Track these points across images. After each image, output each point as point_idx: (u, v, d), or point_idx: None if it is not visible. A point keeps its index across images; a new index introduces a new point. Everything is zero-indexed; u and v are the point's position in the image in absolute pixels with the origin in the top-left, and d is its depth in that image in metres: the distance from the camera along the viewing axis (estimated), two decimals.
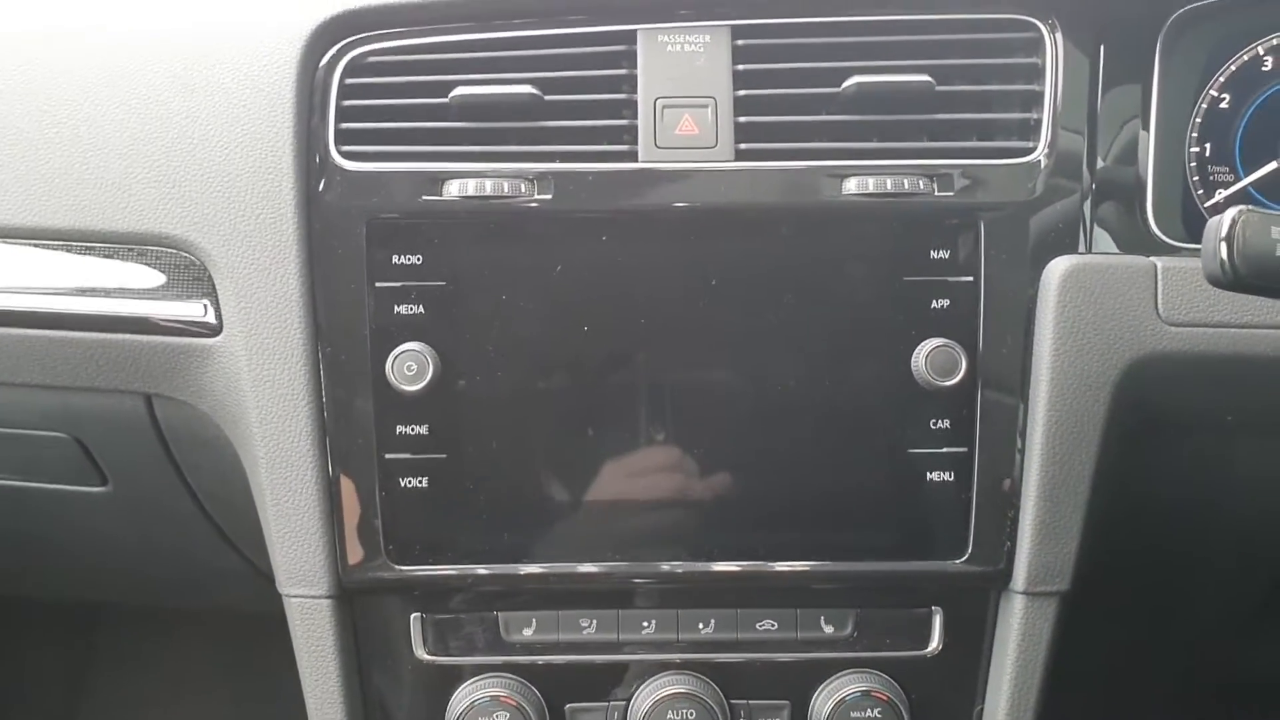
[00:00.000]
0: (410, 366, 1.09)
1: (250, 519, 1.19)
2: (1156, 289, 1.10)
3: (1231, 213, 0.86)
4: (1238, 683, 1.85)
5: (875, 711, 1.14)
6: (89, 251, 1.16)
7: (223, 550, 1.41)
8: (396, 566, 1.13)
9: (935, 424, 1.12)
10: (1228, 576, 1.45)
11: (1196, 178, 1.19)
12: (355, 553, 1.12)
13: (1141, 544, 1.28)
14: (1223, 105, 1.19)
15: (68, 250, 1.16)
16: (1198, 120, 1.19)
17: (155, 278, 1.15)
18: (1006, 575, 1.14)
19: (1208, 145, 1.19)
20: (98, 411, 1.22)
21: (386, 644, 1.17)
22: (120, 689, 2.53)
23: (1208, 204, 1.19)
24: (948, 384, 1.10)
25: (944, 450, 1.12)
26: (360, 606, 1.16)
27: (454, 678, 1.16)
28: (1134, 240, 1.16)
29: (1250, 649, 1.70)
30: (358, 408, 1.11)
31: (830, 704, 1.15)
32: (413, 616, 1.16)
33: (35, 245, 1.17)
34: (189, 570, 1.60)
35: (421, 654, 1.17)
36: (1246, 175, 1.19)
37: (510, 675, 1.16)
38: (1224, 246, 0.86)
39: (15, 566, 1.70)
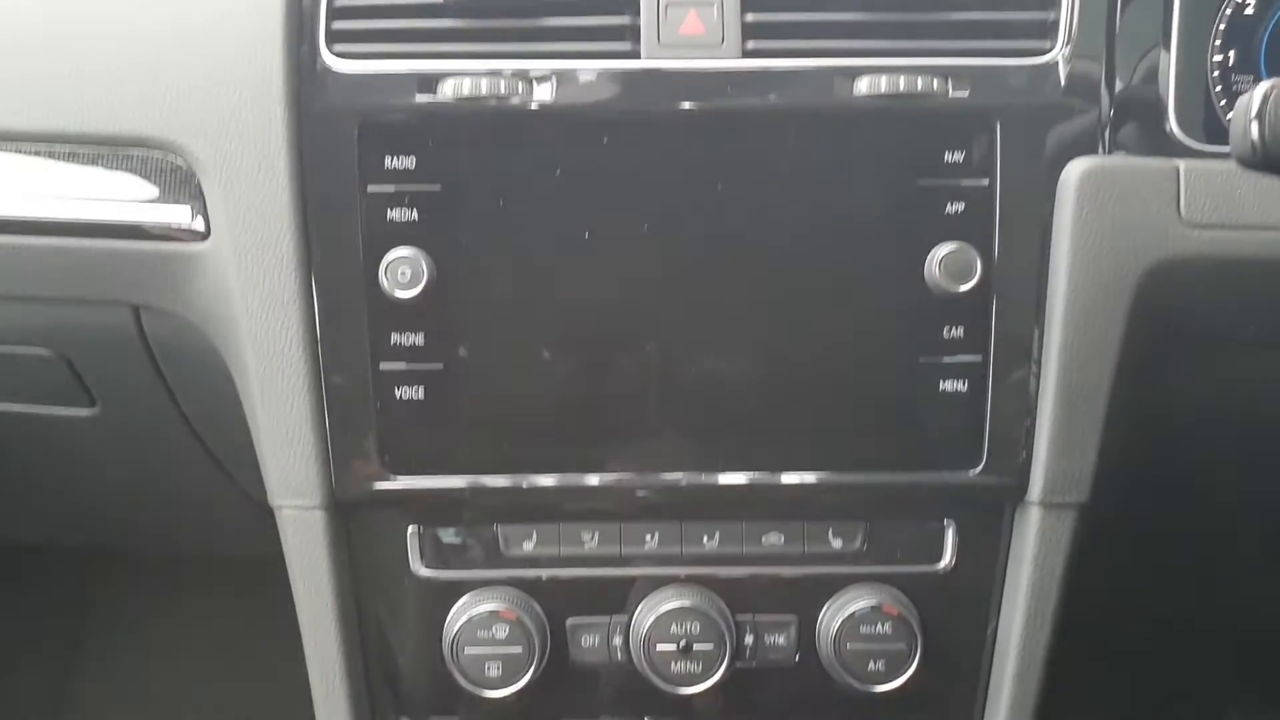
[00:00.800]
0: (404, 272, 1.06)
1: (242, 440, 1.16)
2: (1179, 191, 1.06)
3: (1263, 87, 0.82)
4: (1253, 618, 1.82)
5: (885, 627, 1.11)
6: (73, 157, 1.12)
7: (215, 477, 1.38)
8: (393, 478, 1.09)
9: (949, 332, 1.08)
10: (1249, 497, 1.42)
11: (1219, 87, 1.15)
12: (349, 464, 1.09)
13: (1162, 458, 1.25)
14: (1247, 11, 1.15)
15: (50, 155, 1.12)
16: (1220, 27, 1.14)
17: (141, 182, 1.11)
18: (1022, 487, 1.10)
19: (1231, 53, 1.15)
20: (85, 326, 1.18)
21: (382, 558, 1.13)
22: (118, 642, 2.52)
23: (1230, 115, 1.15)
24: (962, 289, 1.06)
25: (958, 358, 1.09)
26: (355, 520, 1.13)
27: (452, 592, 1.13)
28: (1155, 144, 1.12)
29: (1269, 582, 1.67)
30: (350, 314, 1.07)
31: (839, 619, 1.12)
32: (409, 530, 1.13)
33: (16, 150, 1.13)
34: (182, 503, 1.57)
35: (418, 568, 1.14)
36: None
37: (510, 589, 1.13)
38: (1255, 125, 0.83)
39: (7, 504, 1.67)
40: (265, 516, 1.42)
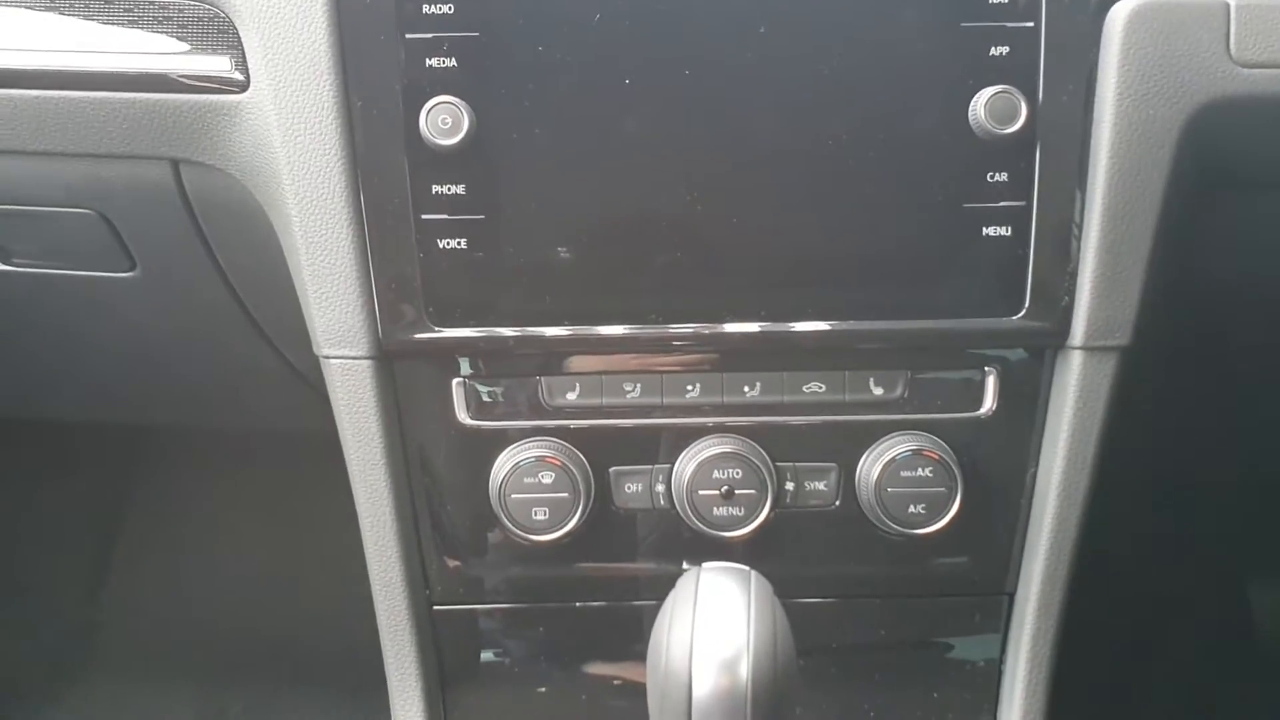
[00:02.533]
0: (444, 120, 1.05)
1: (282, 301, 1.17)
2: (1229, 29, 1.04)
3: None
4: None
5: (926, 471, 1.12)
6: (110, 11, 1.11)
7: (255, 343, 1.39)
8: (436, 329, 1.10)
9: (993, 177, 1.08)
10: None
11: None
12: (394, 314, 1.10)
13: (1203, 302, 1.25)
14: None
15: (88, 11, 1.12)
16: None
17: (179, 33, 1.10)
18: (1064, 331, 1.10)
19: None
20: (124, 183, 1.18)
21: (428, 408, 1.15)
22: (160, 517, 2.58)
23: None
24: (1007, 131, 1.05)
25: (1001, 204, 1.08)
26: (401, 371, 1.14)
27: (498, 441, 1.15)
28: None
29: None
30: (391, 164, 1.07)
31: (880, 465, 1.13)
32: (454, 381, 1.14)
33: (54, 6, 1.12)
34: (222, 374, 1.59)
35: (464, 418, 1.15)
36: None
37: (554, 439, 1.14)
38: None
39: (52, 374, 1.69)
40: (305, 389, 1.44)
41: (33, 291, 1.38)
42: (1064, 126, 1.07)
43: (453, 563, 1.20)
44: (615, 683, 1.24)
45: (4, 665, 2.55)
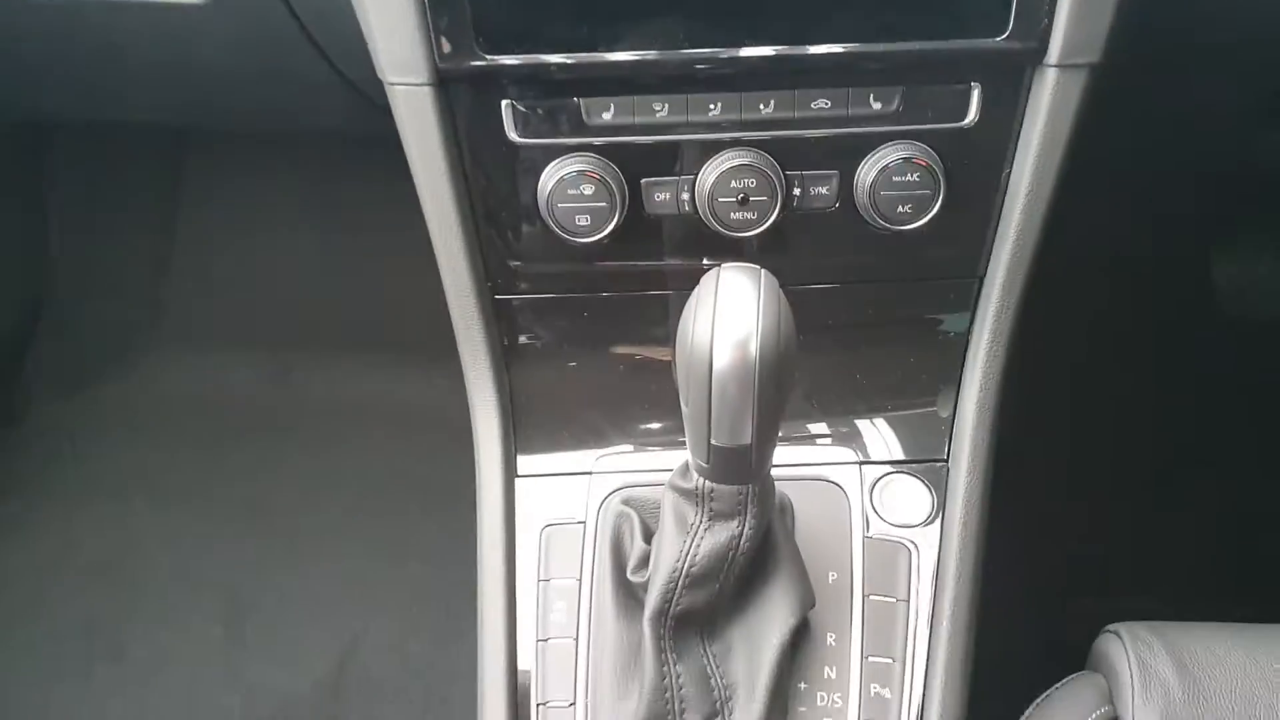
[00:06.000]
0: None
1: (347, 30, 1.28)
2: None
3: None
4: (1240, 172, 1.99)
5: (914, 176, 1.29)
6: None
7: (319, 66, 1.51)
8: (486, 57, 1.24)
9: None
10: (1249, 54, 1.54)
11: None
12: (448, 44, 1.23)
13: (1171, 21, 1.36)
14: None
15: None
16: None
17: None
18: (1042, 50, 1.23)
19: None
20: None
21: (482, 128, 1.30)
22: (211, 216, 2.75)
23: None
24: None
25: None
26: (456, 95, 1.28)
27: (543, 157, 1.31)
28: None
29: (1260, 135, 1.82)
30: None
31: (875, 171, 1.29)
32: (503, 103, 1.29)
33: None
34: (285, 94, 1.71)
35: (514, 136, 1.30)
36: None
37: (593, 155, 1.30)
38: None
39: (111, 88, 1.82)
40: (357, 97, 1.58)
41: (104, 17, 1.50)
42: None
43: (512, 263, 1.39)
44: (643, 358, 1.47)
45: (77, 337, 2.79)
